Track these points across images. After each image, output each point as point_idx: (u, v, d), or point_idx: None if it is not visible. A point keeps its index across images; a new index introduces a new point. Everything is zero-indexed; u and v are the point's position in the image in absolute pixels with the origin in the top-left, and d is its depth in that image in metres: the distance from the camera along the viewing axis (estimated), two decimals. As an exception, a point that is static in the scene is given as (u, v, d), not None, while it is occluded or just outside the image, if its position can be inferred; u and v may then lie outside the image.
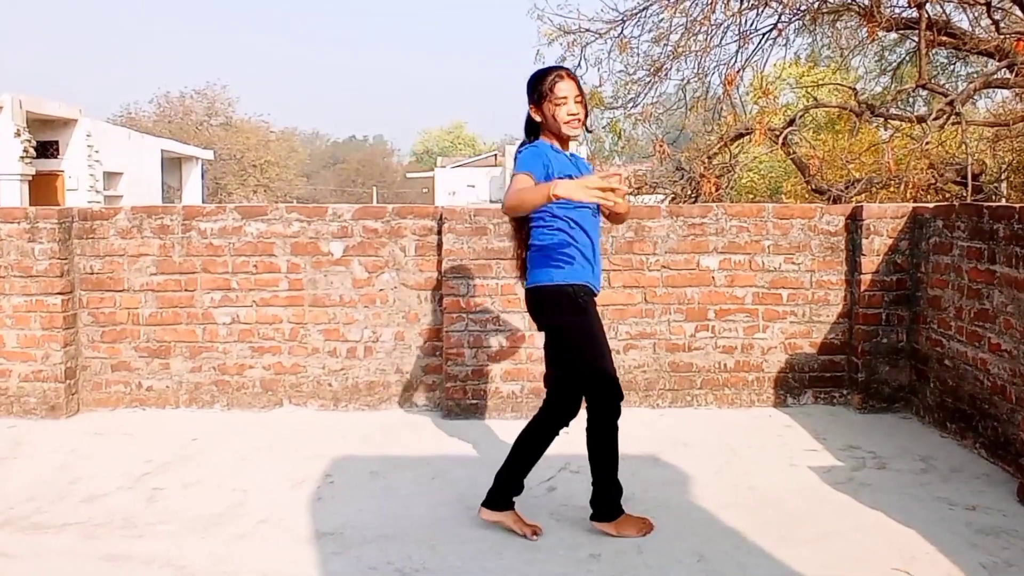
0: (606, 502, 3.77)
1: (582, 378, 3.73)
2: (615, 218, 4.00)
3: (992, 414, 4.67)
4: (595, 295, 3.74)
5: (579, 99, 3.63)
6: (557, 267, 3.64)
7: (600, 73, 11.25)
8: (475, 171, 48.93)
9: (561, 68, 3.69)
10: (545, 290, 3.68)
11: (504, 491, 3.81)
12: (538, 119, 3.68)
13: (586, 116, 3.72)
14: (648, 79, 10.99)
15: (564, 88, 3.59)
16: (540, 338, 5.47)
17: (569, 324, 3.70)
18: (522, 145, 3.71)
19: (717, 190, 10.15)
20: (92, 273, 5.76)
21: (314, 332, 5.78)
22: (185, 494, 4.30)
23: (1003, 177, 11.95)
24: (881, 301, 5.66)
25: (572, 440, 5.07)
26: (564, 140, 3.71)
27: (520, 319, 5.56)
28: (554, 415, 3.80)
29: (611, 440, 3.77)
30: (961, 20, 10.03)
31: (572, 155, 3.79)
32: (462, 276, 5.59)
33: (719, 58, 10.68)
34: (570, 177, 3.43)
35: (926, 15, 9.01)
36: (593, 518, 3.79)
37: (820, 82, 13.20)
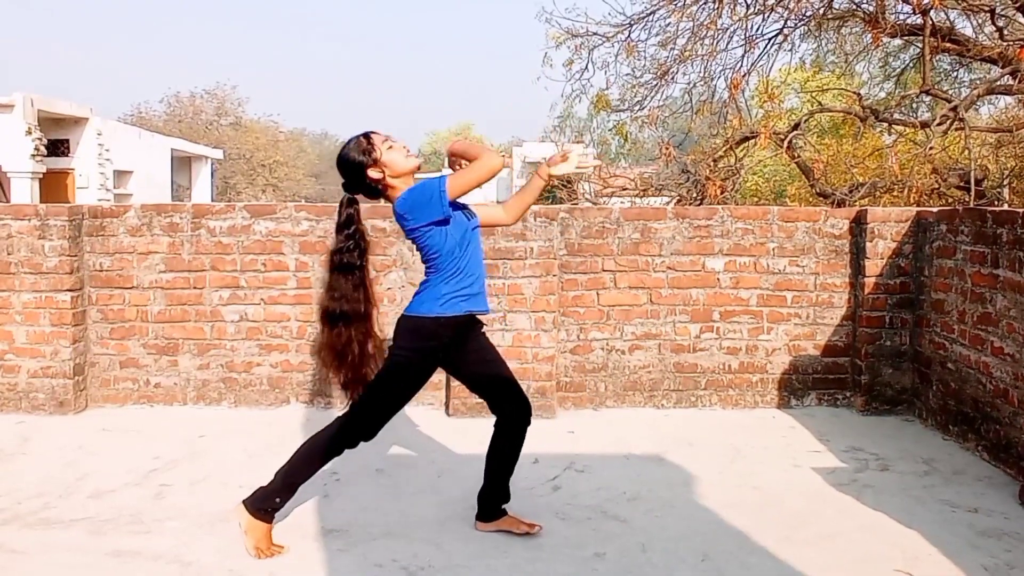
0: (263, 503, 3.64)
1: (369, 396, 3.65)
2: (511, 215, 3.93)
3: (994, 417, 4.69)
4: (463, 321, 3.62)
5: (391, 138, 3.60)
6: (433, 299, 3.58)
7: (607, 76, 11.23)
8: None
9: (361, 134, 3.60)
10: (416, 320, 3.62)
11: (490, 501, 3.84)
12: (381, 175, 3.56)
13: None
14: (654, 82, 11.00)
15: (377, 137, 3.56)
16: (546, 338, 5.52)
17: (402, 350, 3.63)
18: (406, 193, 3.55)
19: (722, 193, 10.17)
20: (101, 270, 5.79)
21: (321, 331, 5.80)
22: (192, 491, 4.32)
23: (1006, 182, 11.96)
24: (885, 304, 5.68)
25: (576, 440, 5.12)
26: (412, 176, 3.63)
27: (526, 319, 5.59)
28: (345, 432, 3.70)
29: (320, 455, 3.69)
30: (965, 27, 10.04)
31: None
32: (468, 276, 5.61)
33: (725, 62, 10.69)
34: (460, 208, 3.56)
35: (930, 21, 9.02)
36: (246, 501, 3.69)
37: (825, 87, 13.21)
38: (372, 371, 3.62)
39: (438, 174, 3.68)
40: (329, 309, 3.59)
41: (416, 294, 3.62)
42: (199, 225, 5.78)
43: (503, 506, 3.85)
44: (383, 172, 3.56)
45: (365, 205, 5.91)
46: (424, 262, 3.60)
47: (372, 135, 3.59)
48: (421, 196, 3.44)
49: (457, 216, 3.52)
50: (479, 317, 3.72)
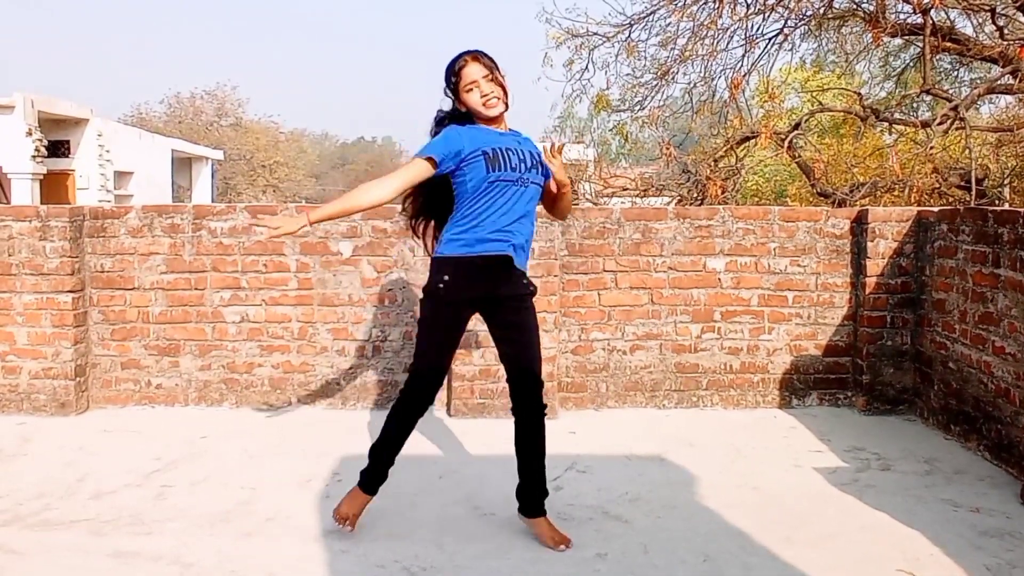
0: (364, 477, 3.77)
1: (414, 359, 3.72)
2: (555, 209, 3.93)
3: (996, 417, 4.69)
4: (482, 277, 3.60)
5: (489, 78, 3.55)
6: (444, 242, 3.64)
7: (608, 76, 11.24)
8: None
9: (468, 53, 3.60)
10: (432, 262, 3.70)
11: (525, 497, 3.80)
12: (463, 109, 3.63)
13: (505, 92, 3.60)
14: (655, 82, 11.01)
15: (471, 73, 3.54)
16: (547, 338, 5.51)
17: (423, 298, 3.70)
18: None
19: (723, 192, 10.18)
20: (102, 271, 5.79)
21: (323, 331, 5.81)
22: (193, 491, 4.32)
23: (1006, 182, 11.95)
24: (886, 304, 5.68)
25: (577, 440, 5.13)
26: (493, 121, 3.64)
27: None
28: (402, 401, 3.74)
29: (397, 430, 3.73)
30: (965, 26, 10.04)
31: (513, 133, 3.73)
32: (469, 277, 5.61)
33: (725, 62, 10.70)
34: (503, 149, 3.53)
35: (930, 21, 9.02)
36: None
37: (825, 86, 13.22)
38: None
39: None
40: None
41: None
42: (200, 226, 5.78)
43: (544, 508, 3.79)
44: (465, 108, 3.62)
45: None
46: None
47: (464, 68, 3.56)
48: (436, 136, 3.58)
49: (475, 166, 3.51)
50: (524, 287, 3.72)
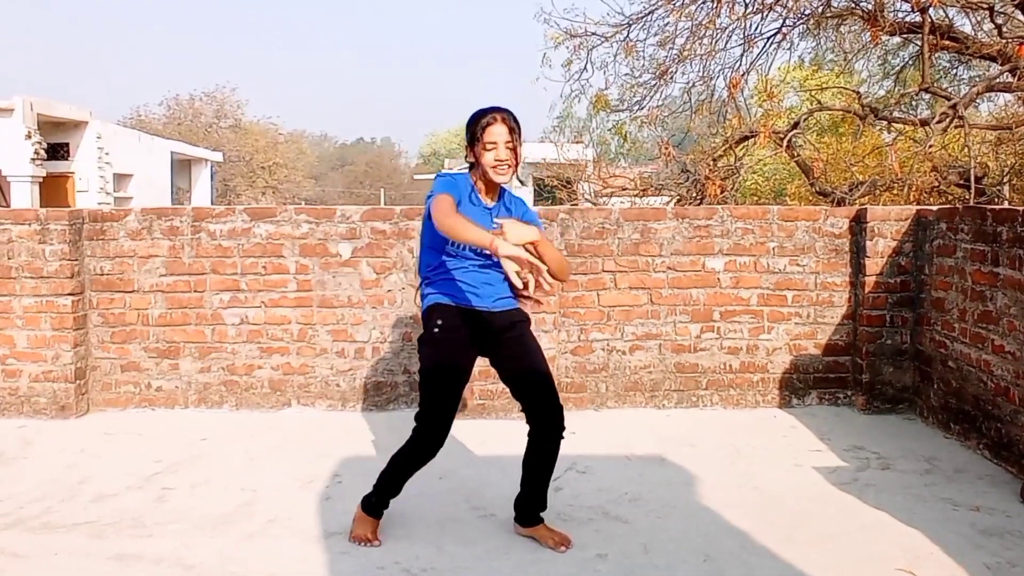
0: (369, 504, 3.77)
1: (420, 406, 3.69)
2: (551, 270, 3.69)
3: (995, 415, 4.69)
4: (471, 314, 3.61)
5: (509, 144, 3.53)
6: (426, 294, 3.66)
7: (606, 76, 11.22)
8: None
9: (498, 111, 3.58)
10: (422, 313, 3.71)
11: (525, 508, 3.80)
12: (470, 160, 3.64)
13: (516, 164, 3.59)
14: (654, 82, 11.00)
15: (495, 132, 3.52)
16: (546, 339, 5.51)
17: (420, 348, 3.71)
18: (440, 174, 3.69)
19: (722, 192, 10.17)
20: (102, 274, 5.79)
21: (322, 333, 5.81)
22: (194, 494, 4.32)
23: (1006, 180, 11.94)
24: (885, 303, 5.68)
25: (577, 441, 5.12)
26: (492, 186, 3.65)
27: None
28: (414, 445, 3.70)
29: (402, 470, 3.74)
30: (964, 24, 10.04)
31: (510, 198, 3.75)
32: (469, 278, 5.61)
33: (724, 61, 10.69)
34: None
35: (929, 19, 9.02)
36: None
37: (824, 85, 13.20)
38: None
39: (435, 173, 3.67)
40: None
41: None
42: (199, 228, 5.78)
43: (540, 514, 3.80)
44: (474, 159, 3.62)
45: (365, 206, 5.96)
46: None
47: (490, 126, 3.54)
48: (436, 183, 3.57)
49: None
50: (517, 315, 3.73)
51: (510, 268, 3.24)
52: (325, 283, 5.80)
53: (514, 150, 3.57)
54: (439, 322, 3.59)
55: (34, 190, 18.65)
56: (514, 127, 3.57)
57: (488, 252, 3.38)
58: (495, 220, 3.53)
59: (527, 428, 3.70)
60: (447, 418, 3.63)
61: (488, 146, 3.53)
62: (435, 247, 3.62)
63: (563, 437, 3.70)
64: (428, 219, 3.53)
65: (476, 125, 3.56)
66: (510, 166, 3.57)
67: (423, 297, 3.71)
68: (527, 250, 3.30)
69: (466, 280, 3.62)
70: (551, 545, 3.67)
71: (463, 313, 3.60)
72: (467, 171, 3.70)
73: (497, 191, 3.71)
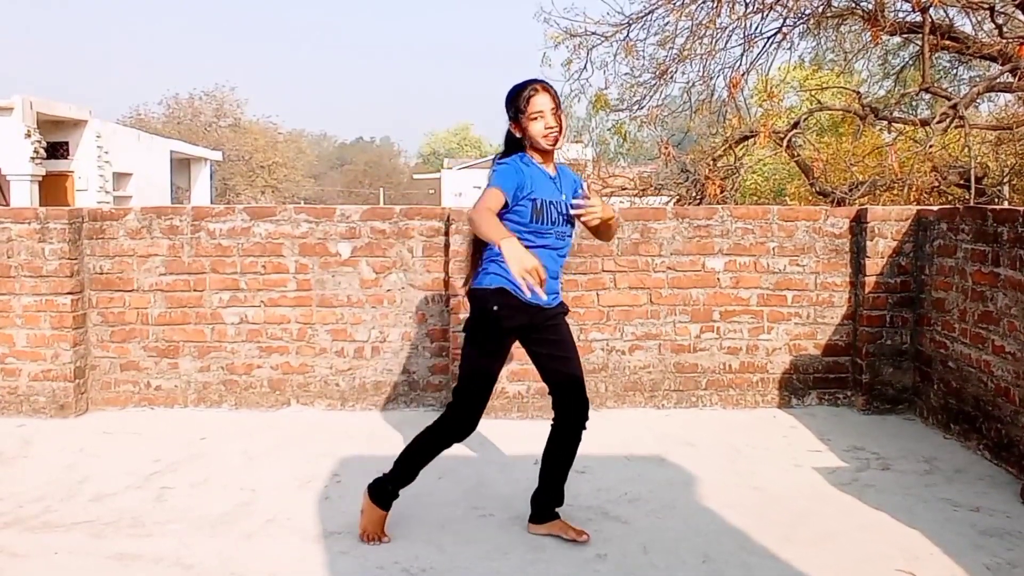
0: (380, 491, 3.74)
1: (458, 385, 3.70)
2: (600, 236, 3.90)
3: (996, 416, 4.69)
4: (526, 306, 3.54)
5: (555, 112, 3.57)
6: (490, 273, 3.61)
7: (606, 76, 11.24)
8: (481, 172, 48.76)
9: (537, 81, 3.61)
10: (475, 292, 3.67)
11: (543, 504, 3.81)
12: (518, 135, 3.63)
13: (562, 130, 3.63)
14: (653, 82, 11.01)
15: (539, 102, 3.53)
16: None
17: (470, 327, 3.68)
18: (498, 159, 3.67)
19: (722, 192, 10.18)
20: (102, 273, 5.79)
21: (322, 332, 5.81)
22: (193, 493, 4.31)
23: (1006, 180, 11.95)
24: (885, 303, 5.68)
25: (578, 440, 5.10)
26: (546, 154, 3.65)
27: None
28: (444, 425, 3.71)
29: (426, 451, 3.73)
30: (964, 24, 10.05)
31: (560, 168, 3.75)
32: (468, 277, 5.61)
33: (724, 61, 10.70)
34: (548, 202, 3.52)
35: (929, 19, 9.02)
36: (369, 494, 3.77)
37: (824, 85, 13.21)
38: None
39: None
40: None
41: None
42: (199, 227, 5.78)
43: (556, 509, 3.82)
44: (521, 133, 3.61)
45: (364, 206, 5.95)
46: None
47: (534, 96, 3.55)
48: (496, 171, 3.56)
49: (522, 210, 3.53)
50: (559, 307, 3.73)
51: (516, 269, 3.22)
52: (325, 282, 5.79)
53: (559, 118, 3.60)
54: (495, 307, 3.57)
55: (33, 189, 18.64)
56: (555, 95, 3.61)
57: (560, 232, 3.58)
58: (572, 203, 3.58)
59: (551, 420, 3.76)
60: (482, 403, 3.69)
61: (535, 115, 3.54)
62: (519, 227, 3.54)
63: (585, 429, 3.74)
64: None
65: (519, 98, 3.57)
66: (559, 134, 3.59)
67: (485, 274, 3.63)
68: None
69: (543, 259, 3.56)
70: (573, 536, 3.70)
71: (521, 303, 3.55)
72: (523, 153, 3.65)
73: (552, 160, 3.71)
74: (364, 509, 3.75)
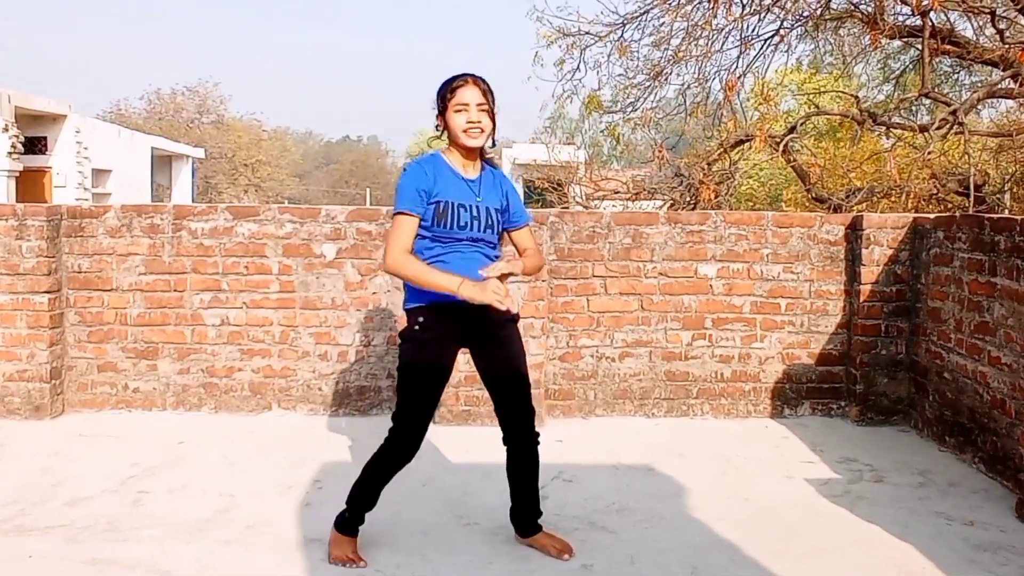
0: (343, 523, 3.60)
1: (395, 410, 3.54)
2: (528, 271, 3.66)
3: (991, 428, 4.62)
4: (454, 314, 3.41)
5: (483, 107, 3.38)
6: (411, 289, 3.47)
7: (599, 76, 11.20)
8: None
9: (468, 75, 3.44)
10: (406, 311, 3.53)
11: (519, 518, 3.72)
12: (441, 127, 3.48)
13: (493, 128, 3.45)
14: (648, 83, 10.95)
15: (465, 95, 3.36)
16: (534, 345, 5.42)
17: (400, 349, 3.54)
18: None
19: (716, 197, 10.10)
20: (80, 272, 5.69)
21: (305, 335, 5.72)
22: (171, 498, 4.25)
23: (1006, 188, 11.89)
24: (880, 312, 5.61)
25: (564, 449, 5.04)
26: (469, 152, 3.48)
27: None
28: (388, 451, 3.57)
29: (377, 478, 3.58)
30: (965, 29, 10.00)
31: (490, 172, 3.57)
32: (456, 280, 5.52)
33: (720, 63, 10.64)
34: (454, 205, 3.37)
35: (930, 23, 8.96)
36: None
37: (822, 89, 13.19)
38: None
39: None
40: None
41: None
42: (180, 227, 5.69)
43: (538, 520, 3.72)
44: (444, 127, 3.47)
45: (350, 206, 5.86)
46: None
47: (460, 88, 3.39)
48: (399, 182, 3.44)
49: (428, 212, 3.38)
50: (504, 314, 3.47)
51: (490, 299, 3.17)
52: (308, 284, 5.70)
53: (488, 112, 3.42)
54: (421, 319, 3.43)
55: (10, 184, 18.45)
56: (487, 90, 3.42)
57: (475, 238, 3.42)
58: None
59: (501, 436, 3.63)
60: (424, 420, 3.50)
61: (459, 108, 3.38)
62: (423, 231, 3.41)
63: (538, 443, 3.63)
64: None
65: (445, 89, 3.41)
66: (482, 130, 3.41)
67: (407, 289, 3.49)
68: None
69: (458, 269, 3.40)
70: (553, 554, 3.60)
71: (452, 308, 3.38)
72: (437, 152, 3.52)
73: (477, 161, 3.53)
74: (332, 541, 3.61)
